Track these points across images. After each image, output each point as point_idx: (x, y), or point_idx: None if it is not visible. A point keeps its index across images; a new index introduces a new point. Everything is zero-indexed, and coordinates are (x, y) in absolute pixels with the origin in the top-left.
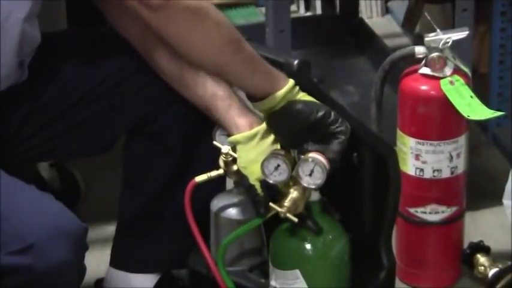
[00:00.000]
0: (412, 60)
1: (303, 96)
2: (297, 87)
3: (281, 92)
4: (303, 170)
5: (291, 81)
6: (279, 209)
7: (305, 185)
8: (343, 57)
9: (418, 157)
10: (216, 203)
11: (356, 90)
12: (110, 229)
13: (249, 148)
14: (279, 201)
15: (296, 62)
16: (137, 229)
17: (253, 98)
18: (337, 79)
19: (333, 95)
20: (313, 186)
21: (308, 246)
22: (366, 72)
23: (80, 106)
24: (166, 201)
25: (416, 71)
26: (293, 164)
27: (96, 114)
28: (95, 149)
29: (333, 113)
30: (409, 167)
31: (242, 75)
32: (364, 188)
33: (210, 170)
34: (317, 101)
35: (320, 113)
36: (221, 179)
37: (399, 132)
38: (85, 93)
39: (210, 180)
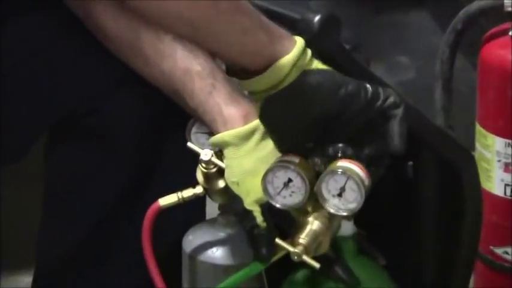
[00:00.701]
0: (499, 15)
1: (320, 64)
2: (309, 52)
3: (288, 58)
4: (329, 188)
5: (300, 41)
6: (290, 249)
7: (332, 211)
8: (390, 11)
9: (509, 167)
10: (192, 240)
11: (411, 63)
12: (25, 280)
13: (243, 153)
14: (291, 236)
15: (318, 18)
16: (68, 275)
17: (242, 71)
18: (382, 45)
19: (375, 69)
20: (345, 213)
21: None
22: (427, 35)
23: None
24: (113, 233)
25: (505, 32)
26: (312, 178)
27: (8, 103)
28: (5, 156)
29: (368, 85)
30: (494, 183)
31: (225, 34)
32: (423, 216)
33: (182, 188)
34: (339, 73)
35: (351, 87)
36: (199, 202)
37: (479, 128)
38: None
39: (181, 204)
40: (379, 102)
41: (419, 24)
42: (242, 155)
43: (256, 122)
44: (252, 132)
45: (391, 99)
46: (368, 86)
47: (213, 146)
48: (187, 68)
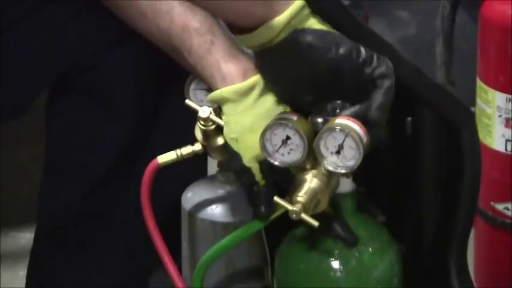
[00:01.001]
0: None
1: (315, 23)
2: (307, 10)
3: (281, 18)
4: (327, 145)
5: (298, 2)
6: (289, 207)
7: (330, 168)
8: None
9: (510, 123)
10: (191, 198)
11: (412, 18)
12: (26, 237)
13: (242, 109)
14: (289, 194)
15: None
16: (67, 241)
17: (237, 28)
18: (380, 1)
19: (375, 25)
20: (343, 170)
21: (336, 264)
22: None
23: None
24: (112, 195)
25: None
26: (311, 136)
27: (8, 58)
28: (6, 111)
29: (362, 49)
30: (495, 138)
31: None
32: (422, 173)
33: (180, 145)
34: (337, 32)
35: (342, 50)
36: (198, 160)
37: (480, 84)
38: None
39: (180, 162)
40: (369, 70)
41: None
42: (241, 111)
43: (256, 78)
44: (251, 88)
45: (381, 69)
46: (362, 50)
47: (212, 102)
48: (185, 24)
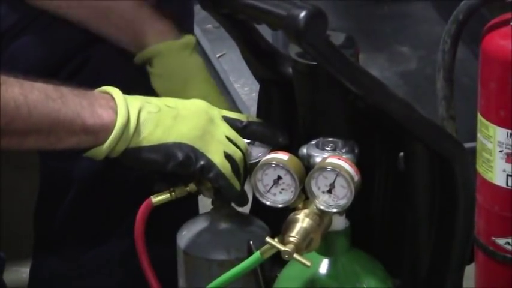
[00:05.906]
0: (502, 5)
1: (146, 138)
2: (132, 127)
3: (103, 148)
4: (318, 185)
5: (117, 130)
6: (281, 247)
7: (322, 207)
8: (393, 1)
9: (511, 158)
10: (186, 235)
11: (413, 53)
12: (28, 272)
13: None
14: (281, 233)
15: (303, 14)
16: (60, 269)
17: None
18: (381, 36)
19: (376, 60)
20: (335, 210)
21: None
22: (429, 25)
23: None
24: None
25: (506, 22)
26: (302, 176)
27: None
28: None
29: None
30: (496, 173)
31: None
32: (417, 207)
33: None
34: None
35: (179, 160)
36: (193, 198)
37: (481, 119)
38: None
39: (174, 201)
40: (192, 168)
41: (421, 14)
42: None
43: (190, 37)
44: (185, 46)
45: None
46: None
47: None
48: None
